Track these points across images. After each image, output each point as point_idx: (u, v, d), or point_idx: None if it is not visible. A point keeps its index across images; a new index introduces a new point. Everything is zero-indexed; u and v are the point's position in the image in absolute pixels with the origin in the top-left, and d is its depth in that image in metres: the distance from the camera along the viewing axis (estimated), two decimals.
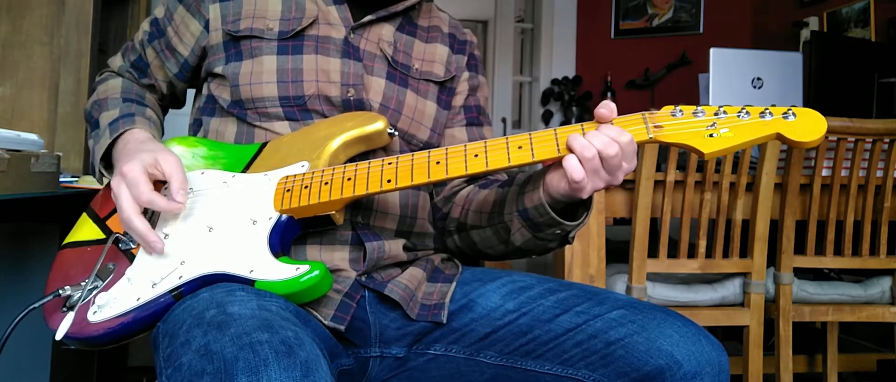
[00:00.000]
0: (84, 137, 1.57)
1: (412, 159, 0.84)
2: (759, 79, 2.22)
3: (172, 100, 1.13)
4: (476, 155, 0.82)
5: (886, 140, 1.74)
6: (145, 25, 1.09)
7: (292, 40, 0.97)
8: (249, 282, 0.79)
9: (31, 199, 1.17)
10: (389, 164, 0.84)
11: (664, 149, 1.70)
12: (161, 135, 1.05)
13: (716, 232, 1.72)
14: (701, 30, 4.14)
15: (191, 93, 1.13)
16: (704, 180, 1.68)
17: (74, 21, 1.58)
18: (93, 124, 1.00)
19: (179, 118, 1.21)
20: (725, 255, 1.74)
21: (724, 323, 1.76)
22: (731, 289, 1.78)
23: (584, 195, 0.80)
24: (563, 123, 4.35)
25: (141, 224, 0.82)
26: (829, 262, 1.80)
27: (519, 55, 4.74)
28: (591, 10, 4.46)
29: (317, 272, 0.79)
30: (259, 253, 0.82)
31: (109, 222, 0.94)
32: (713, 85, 2.19)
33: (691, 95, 2.87)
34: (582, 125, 0.81)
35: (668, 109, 0.80)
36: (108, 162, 0.95)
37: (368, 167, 0.85)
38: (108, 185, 0.94)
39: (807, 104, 2.30)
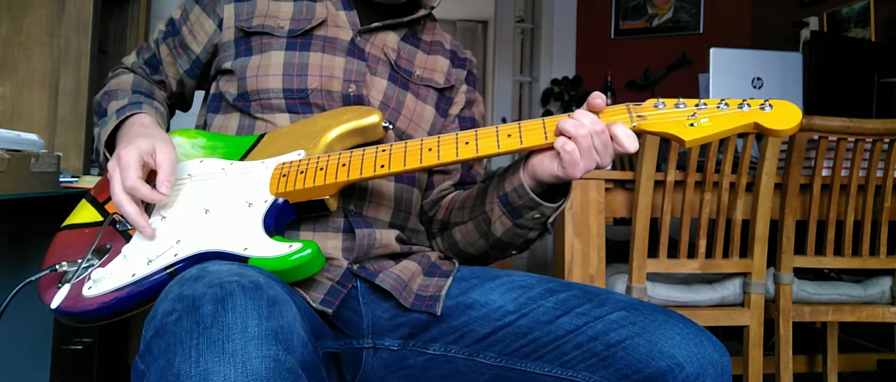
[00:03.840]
0: (84, 138, 1.57)
1: (405, 147, 0.87)
2: (759, 79, 2.22)
3: (180, 99, 1.16)
4: (467, 143, 0.85)
5: (886, 140, 1.74)
6: (161, 25, 1.12)
7: (301, 38, 1.01)
8: (243, 259, 0.81)
9: (31, 199, 1.17)
10: (383, 150, 0.87)
11: (664, 149, 1.70)
12: (166, 128, 1.07)
13: (716, 232, 1.72)
14: (701, 30, 4.14)
15: (198, 97, 1.15)
16: (704, 180, 1.68)
17: (74, 21, 1.58)
18: (100, 113, 1.03)
19: (185, 119, 1.21)
20: (725, 255, 1.74)
21: (724, 323, 1.76)
22: (731, 289, 1.78)
23: (578, 174, 0.82)
24: None
25: (131, 208, 0.84)
26: (829, 262, 1.80)
27: (519, 55, 4.74)
28: (591, 10, 4.46)
29: (309, 251, 0.80)
30: (253, 232, 0.84)
31: (108, 206, 0.96)
32: (713, 85, 2.19)
33: (691, 95, 2.87)
34: (568, 114, 0.84)
35: (651, 101, 0.84)
36: (113, 147, 0.96)
37: (363, 153, 0.88)
38: (102, 161, 0.97)
39: (807, 104, 2.30)
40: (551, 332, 0.86)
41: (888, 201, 1.78)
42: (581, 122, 0.81)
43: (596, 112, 0.83)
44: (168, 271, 0.82)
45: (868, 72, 2.36)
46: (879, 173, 1.79)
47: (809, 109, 2.29)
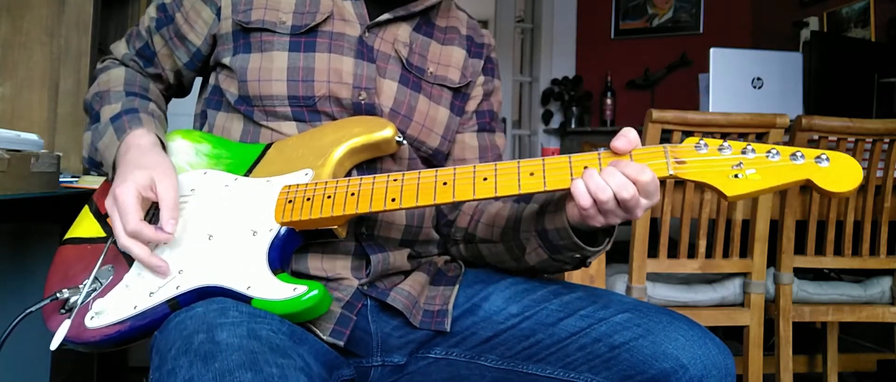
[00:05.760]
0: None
1: (419, 179, 0.81)
2: (759, 79, 2.22)
3: (178, 89, 1.09)
4: (485, 179, 0.78)
5: (886, 140, 1.74)
6: (152, 11, 1.03)
7: (305, 37, 0.93)
8: (246, 299, 0.78)
9: (31, 199, 1.17)
10: (394, 180, 0.81)
11: None
12: (166, 128, 1.01)
13: (716, 232, 1.72)
14: (701, 30, 4.14)
15: (197, 81, 1.09)
16: None
17: (74, 21, 1.58)
18: (93, 117, 0.97)
19: (183, 107, 1.18)
20: (725, 255, 1.74)
21: (724, 323, 1.75)
22: (731, 289, 1.78)
23: (598, 224, 0.76)
24: (562, 124, 4.37)
25: (139, 250, 0.80)
26: (829, 262, 1.80)
27: (519, 55, 4.74)
28: (591, 10, 4.45)
29: (315, 293, 0.77)
30: (257, 269, 0.80)
31: (110, 220, 0.92)
32: (713, 85, 2.19)
33: (691, 95, 2.87)
34: (599, 154, 0.77)
35: (691, 142, 0.75)
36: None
37: (373, 183, 0.82)
38: (110, 178, 0.92)
39: (807, 104, 2.30)
40: (554, 334, 0.85)
41: (888, 201, 1.77)
42: (606, 184, 0.73)
43: (621, 155, 0.76)
44: (169, 303, 0.80)
45: (868, 72, 2.36)
46: (879, 173, 1.78)
47: (809, 109, 2.29)
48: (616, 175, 0.73)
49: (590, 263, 0.89)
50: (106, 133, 0.92)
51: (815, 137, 1.73)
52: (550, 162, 0.77)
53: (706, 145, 0.74)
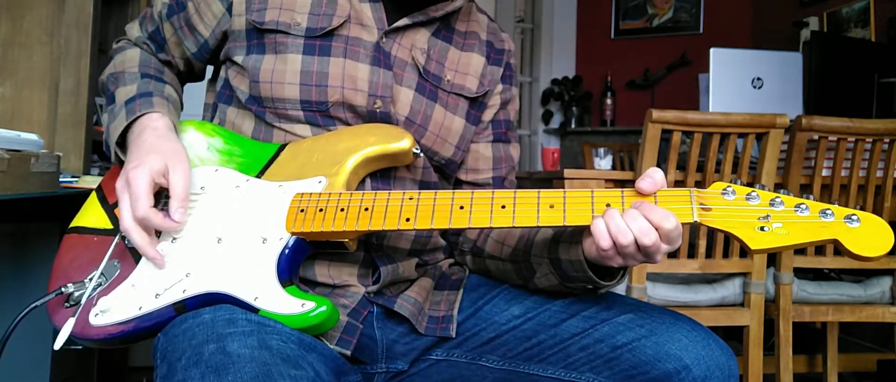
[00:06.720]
0: (84, 138, 1.57)
1: (435, 200, 0.79)
2: (759, 79, 2.22)
3: (190, 76, 1.08)
4: (503, 206, 0.76)
5: (886, 140, 1.74)
6: None
7: (320, 40, 0.91)
8: (253, 309, 0.77)
9: (31, 199, 1.17)
10: (410, 199, 0.79)
11: (664, 148, 1.70)
12: (180, 112, 1.00)
13: (716, 232, 1.72)
14: (701, 30, 4.15)
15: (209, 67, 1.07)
16: (704, 180, 1.68)
17: (74, 21, 1.57)
18: (108, 98, 0.96)
19: (188, 107, 1.17)
20: (725, 255, 1.74)
21: (725, 323, 1.76)
22: (731, 289, 1.78)
23: (615, 265, 0.75)
24: (562, 124, 4.37)
25: (141, 238, 0.80)
26: (829, 262, 1.80)
27: (519, 55, 4.74)
28: (591, 10, 4.46)
29: (323, 309, 0.76)
30: (266, 279, 0.79)
31: (119, 205, 0.90)
32: (713, 85, 2.19)
33: (691, 95, 2.87)
34: (622, 192, 0.75)
35: (718, 187, 0.73)
36: (125, 140, 0.90)
37: (387, 200, 0.80)
38: (120, 162, 0.91)
39: (807, 104, 2.30)
40: (557, 335, 0.85)
41: (888, 201, 1.78)
42: (627, 228, 0.71)
43: (646, 196, 0.74)
44: (175, 306, 0.80)
45: (868, 72, 2.36)
46: (879, 173, 1.79)
47: (809, 109, 2.29)
48: (638, 220, 0.71)
49: (600, 293, 0.88)
50: (120, 115, 0.91)
51: (815, 136, 1.73)
52: (572, 196, 0.75)
53: (734, 191, 0.72)
